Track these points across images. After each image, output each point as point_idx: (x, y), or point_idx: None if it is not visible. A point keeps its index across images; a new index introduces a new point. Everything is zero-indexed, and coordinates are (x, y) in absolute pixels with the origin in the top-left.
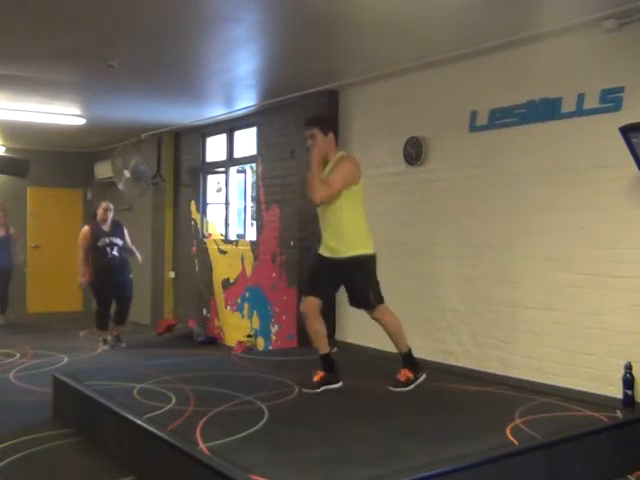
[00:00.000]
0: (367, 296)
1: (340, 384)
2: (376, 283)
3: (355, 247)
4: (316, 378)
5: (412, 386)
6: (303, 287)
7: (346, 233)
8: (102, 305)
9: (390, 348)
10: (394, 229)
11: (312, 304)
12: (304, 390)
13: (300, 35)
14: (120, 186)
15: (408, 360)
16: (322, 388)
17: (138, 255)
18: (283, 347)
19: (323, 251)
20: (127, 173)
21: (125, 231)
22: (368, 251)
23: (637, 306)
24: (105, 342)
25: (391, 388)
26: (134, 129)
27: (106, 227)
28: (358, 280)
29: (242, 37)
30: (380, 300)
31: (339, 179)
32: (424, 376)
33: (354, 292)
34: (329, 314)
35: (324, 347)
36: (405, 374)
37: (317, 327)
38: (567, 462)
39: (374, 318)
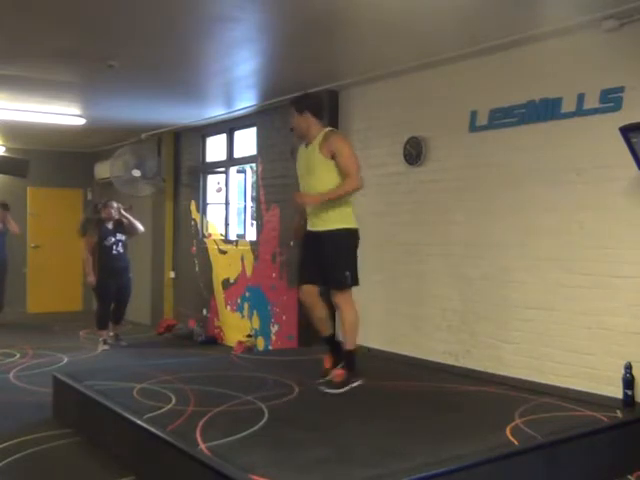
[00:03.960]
0: (343, 274)
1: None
2: (355, 262)
3: (338, 221)
4: (337, 376)
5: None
6: (297, 277)
7: (330, 206)
8: (103, 305)
9: (391, 348)
10: (394, 229)
11: (309, 292)
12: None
13: (300, 35)
14: (141, 192)
15: (349, 360)
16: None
17: (139, 225)
18: (283, 347)
19: (308, 226)
20: (137, 172)
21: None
22: (351, 225)
23: (637, 306)
24: (105, 342)
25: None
26: (134, 129)
27: (111, 225)
28: (338, 255)
29: (242, 37)
30: (355, 282)
31: (351, 160)
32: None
33: (331, 267)
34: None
35: (325, 330)
36: (341, 375)
37: (318, 314)
38: (567, 462)
39: (336, 303)
